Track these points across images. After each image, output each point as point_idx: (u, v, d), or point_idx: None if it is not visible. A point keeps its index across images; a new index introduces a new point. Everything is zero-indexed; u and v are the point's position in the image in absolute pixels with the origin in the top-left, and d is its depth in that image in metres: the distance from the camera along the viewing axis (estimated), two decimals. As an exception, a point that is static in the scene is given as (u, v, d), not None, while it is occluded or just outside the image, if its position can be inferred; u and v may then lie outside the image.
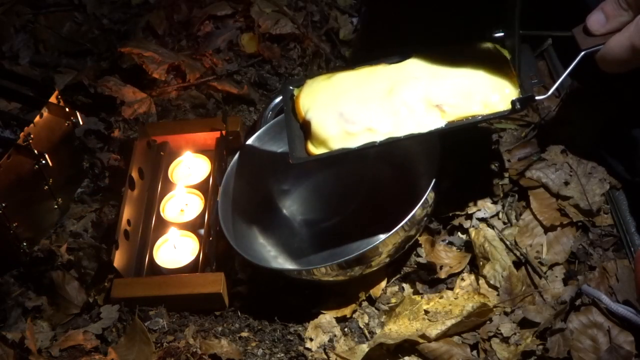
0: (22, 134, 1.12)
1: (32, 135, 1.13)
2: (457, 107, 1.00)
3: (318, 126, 1.01)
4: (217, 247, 1.12)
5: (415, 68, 1.04)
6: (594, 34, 0.97)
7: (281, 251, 1.14)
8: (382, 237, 1.00)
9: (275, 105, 1.24)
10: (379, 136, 1.00)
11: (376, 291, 1.09)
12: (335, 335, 1.05)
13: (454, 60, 1.04)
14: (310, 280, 1.05)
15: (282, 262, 1.12)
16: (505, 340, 1.01)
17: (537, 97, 0.98)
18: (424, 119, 1.00)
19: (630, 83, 1.09)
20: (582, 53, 0.97)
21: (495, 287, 1.06)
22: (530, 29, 0.99)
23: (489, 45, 1.05)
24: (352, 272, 1.04)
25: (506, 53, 1.04)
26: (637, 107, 1.12)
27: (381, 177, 1.17)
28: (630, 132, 1.13)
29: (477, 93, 1.00)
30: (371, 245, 1.01)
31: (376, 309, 1.08)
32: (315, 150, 1.01)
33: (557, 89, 1.26)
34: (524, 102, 0.98)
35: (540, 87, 1.01)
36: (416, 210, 1.00)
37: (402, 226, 1.00)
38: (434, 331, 1.00)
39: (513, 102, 0.98)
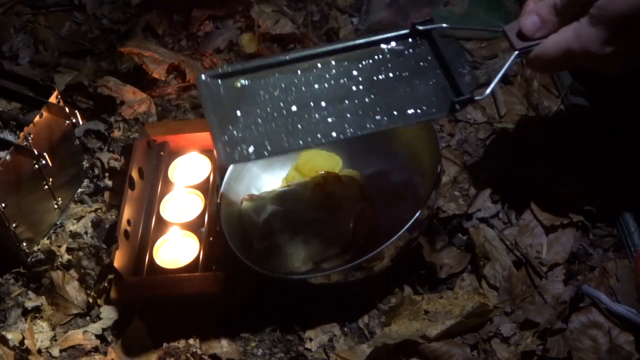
0: (22, 134, 1.12)
1: (32, 136, 1.13)
2: None
3: None
4: (217, 247, 1.12)
5: None
6: (530, 38, 0.97)
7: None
8: (386, 241, 1.00)
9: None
10: None
11: (376, 291, 1.09)
12: (335, 335, 1.05)
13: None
14: (311, 284, 1.05)
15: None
16: (505, 340, 1.01)
17: (476, 98, 0.95)
18: None
19: (630, 87, 1.10)
20: (516, 53, 0.98)
21: (495, 287, 1.06)
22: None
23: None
24: (354, 277, 1.04)
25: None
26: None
27: (382, 178, 1.17)
28: (630, 132, 1.13)
29: None
30: (374, 252, 1.01)
31: (376, 309, 1.08)
32: None
33: (557, 88, 1.26)
34: (463, 103, 0.95)
35: (474, 83, 0.97)
36: (419, 213, 1.00)
37: (406, 230, 1.00)
38: (434, 331, 1.00)
39: (452, 104, 0.95)
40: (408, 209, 1.10)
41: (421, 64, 0.99)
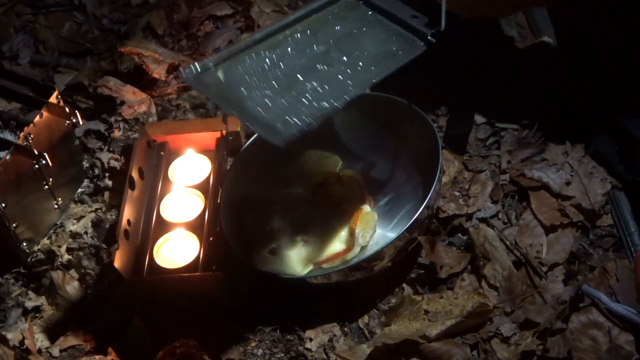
0: (22, 134, 1.12)
1: (32, 135, 1.13)
2: None
3: None
4: (217, 247, 1.12)
5: None
6: None
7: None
8: (386, 241, 1.00)
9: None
10: None
11: (376, 291, 1.09)
12: (335, 335, 1.05)
13: None
14: (311, 284, 1.05)
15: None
16: (505, 340, 1.01)
17: (443, 25, 1.00)
18: None
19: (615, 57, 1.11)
20: None
21: (495, 287, 1.06)
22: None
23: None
24: (354, 277, 1.04)
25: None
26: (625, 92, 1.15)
27: (382, 178, 1.17)
28: (630, 132, 1.13)
29: None
30: (374, 251, 1.01)
31: (376, 309, 1.08)
32: None
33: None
34: (436, 34, 1.01)
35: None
36: (419, 213, 1.00)
37: (407, 229, 1.00)
38: (434, 331, 1.00)
39: (427, 38, 1.00)
40: (408, 209, 1.11)
41: (372, 19, 1.05)
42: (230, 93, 0.96)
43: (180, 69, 1.00)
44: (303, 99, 0.96)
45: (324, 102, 0.95)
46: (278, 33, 1.03)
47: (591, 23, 1.23)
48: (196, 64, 0.98)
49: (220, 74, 0.98)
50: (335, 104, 0.95)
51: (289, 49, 1.01)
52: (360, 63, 0.99)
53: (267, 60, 1.00)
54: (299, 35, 1.02)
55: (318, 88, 0.97)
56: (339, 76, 0.98)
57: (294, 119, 0.92)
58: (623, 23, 1.20)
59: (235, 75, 0.98)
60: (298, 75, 0.98)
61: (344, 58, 1.00)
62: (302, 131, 0.91)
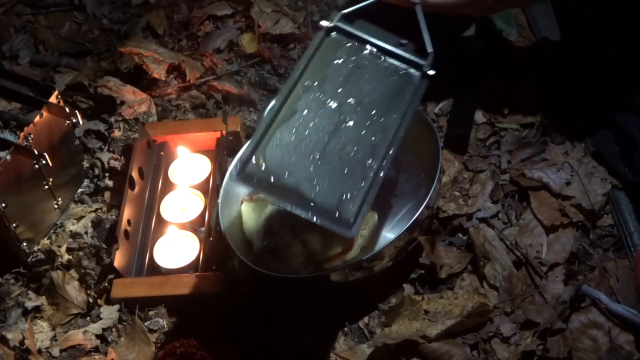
0: (22, 134, 1.12)
1: (32, 136, 1.13)
2: None
3: None
4: (217, 247, 1.12)
5: None
6: None
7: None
8: (386, 241, 1.00)
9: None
10: None
11: (376, 291, 1.09)
12: (335, 335, 1.05)
13: None
14: (311, 284, 1.05)
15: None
16: (505, 340, 1.01)
17: (429, 50, 0.98)
18: None
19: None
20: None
21: (495, 287, 1.06)
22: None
23: None
24: (354, 277, 1.04)
25: None
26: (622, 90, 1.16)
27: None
28: (630, 132, 1.13)
29: None
30: (374, 252, 1.00)
31: (376, 309, 1.08)
32: None
33: None
34: (431, 64, 0.98)
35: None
36: (419, 213, 1.00)
37: (407, 229, 1.00)
38: (434, 331, 1.00)
39: (424, 72, 0.98)
40: (408, 209, 1.11)
41: (363, 54, 1.01)
42: (279, 179, 0.91)
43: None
44: (345, 168, 0.92)
45: (365, 169, 0.92)
46: (290, 95, 0.97)
47: (592, 19, 1.23)
48: (235, 162, 0.93)
49: (261, 161, 0.92)
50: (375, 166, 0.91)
51: (306, 111, 0.96)
52: (374, 111, 0.96)
53: (293, 132, 0.95)
54: (309, 92, 0.98)
55: (351, 153, 0.93)
56: (362, 132, 0.95)
57: (349, 195, 0.89)
58: (623, 22, 1.20)
59: (275, 158, 0.92)
60: (328, 141, 0.94)
61: (358, 109, 0.97)
62: (362, 212, 0.88)
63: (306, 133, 0.94)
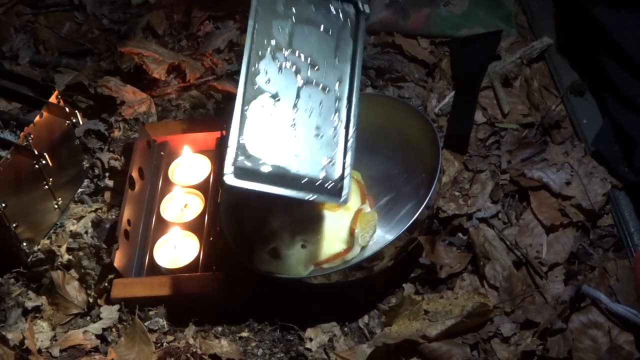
0: (22, 134, 1.12)
1: (32, 135, 1.13)
2: None
3: None
4: (217, 247, 1.12)
5: None
6: None
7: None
8: (386, 241, 1.00)
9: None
10: None
11: (376, 291, 1.09)
12: (335, 335, 1.05)
13: None
14: (311, 284, 1.05)
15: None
16: (505, 340, 1.01)
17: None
18: None
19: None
20: None
21: (495, 287, 1.06)
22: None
23: None
24: (354, 277, 1.04)
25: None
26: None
27: (382, 178, 1.17)
28: (630, 132, 1.13)
29: None
30: (374, 251, 1.00)
31: (376, 309, 1.08)
32: None
33: (557, 88, 1.27)
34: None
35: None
36: (420, 213, 1.00)
37: (407, 229, 1.00)
38: (434, 331, 1.00)
39: (361, 9, 0.99)
40: (408, 209, 1.11)
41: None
42: (266, 166, 0.92)
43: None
44: (320, 133, 0.94)
45: (335, 127, 0.94)
46: (249, 70, 0.97)
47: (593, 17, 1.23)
48: (227, 166, 0.92)
49: (247, 154, 0.93)
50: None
51: (267, 83, 0.96)
52: (325, 63, 0.97)
53: (262, 109, 0.95)
54: (264, 61, 0.97)
55: (319, 115, 0.95)
56: (322, 90, 0.96)
57: (330, 159, 0.92)
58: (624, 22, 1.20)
59: (255, 146, 0.93)
60: (296, 110, 0.95)
61: (310, 66, 0.97)
62: (347, 173, 0.91)
63: (275, 106, 0.95)
